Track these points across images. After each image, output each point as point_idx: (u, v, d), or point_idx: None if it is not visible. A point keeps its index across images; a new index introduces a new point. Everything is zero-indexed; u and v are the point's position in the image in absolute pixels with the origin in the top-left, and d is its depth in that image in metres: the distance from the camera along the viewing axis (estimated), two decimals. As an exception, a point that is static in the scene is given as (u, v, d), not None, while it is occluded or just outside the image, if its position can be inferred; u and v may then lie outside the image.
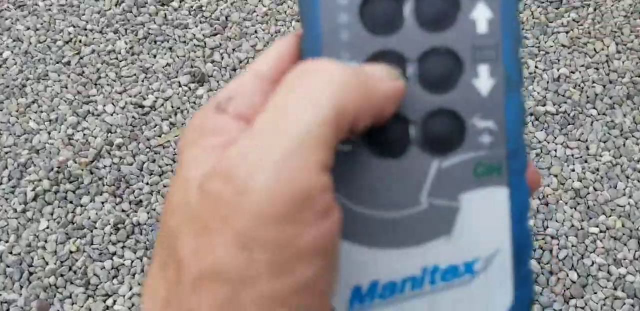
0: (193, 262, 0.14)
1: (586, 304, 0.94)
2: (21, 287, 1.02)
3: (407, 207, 0.18)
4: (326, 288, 0.15)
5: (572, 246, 1.00)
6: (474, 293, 0.18)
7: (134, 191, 1.11)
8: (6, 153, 1.17)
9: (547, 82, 1.20)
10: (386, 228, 0.18)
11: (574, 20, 1.29)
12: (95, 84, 1.27)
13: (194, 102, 1.23)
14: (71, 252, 1.05)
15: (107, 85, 1.27)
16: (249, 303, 0.14)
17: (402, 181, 0.18)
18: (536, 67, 1.22)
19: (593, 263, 0.98)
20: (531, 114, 1.16)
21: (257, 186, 0.14)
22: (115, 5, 1.41)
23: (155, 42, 1.33)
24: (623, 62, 1.21)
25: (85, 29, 1.37)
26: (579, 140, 1.12)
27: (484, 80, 0.18)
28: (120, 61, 1.30)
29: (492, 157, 0.18)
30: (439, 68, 0.18)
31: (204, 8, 1.37)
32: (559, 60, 1.23)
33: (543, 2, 1.33)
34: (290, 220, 0.14)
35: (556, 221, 1.02)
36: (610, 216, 1.02)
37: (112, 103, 1.24)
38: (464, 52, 0.18)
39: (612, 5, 1.31)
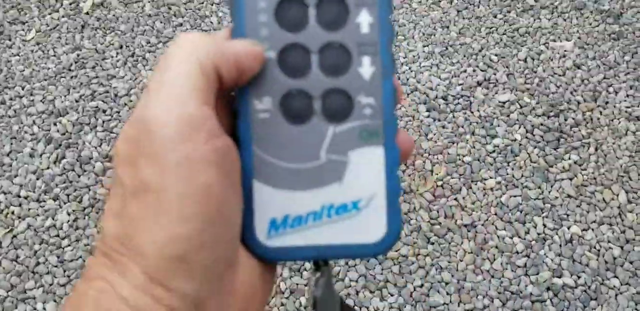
0: (129, 182, 0.21)
1: None
2: None
3: (310, 160, 0.25)
4: (223, 194, 0.21)
5: None
6: (359, 223, 0.25)
7: None
8: None
9: (560, 246, 1.06)
10: (295, 176, 0.24)
11: (575, 163, 1.17)
12: (33, 273, 1.06)
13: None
14: None
15: (47, 273, 1.06)
16: (167, 204, 0.20)
17: (307, 141, 0.25)
18: (544, 226, 1.09)
19: None
20: (548, 289, 1.01)
21: (158, 120, 0.20)
22: (54, 162, 1.21)
23: (102, 210, 1.13)
24: (637, 215, 1.09)
25: (19, 196, 1.16)
26: (605, 320, 0.98)
27: (366, 68, 0.25)
28: (62, 239, 1.10)
29: (372, 125, 0.25)
30: (334, 58, 0.25)
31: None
32: (567, 216, 1.10)
33: (539, 142, 1.21)
34: (187, 139, 0.20)
35: None
36: None
37: (55, 301, 1.03)
38: (352, 47, 0.25)
39: (613, 144, 1.20)
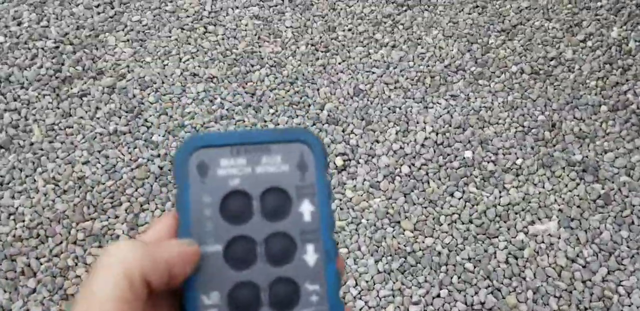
0: None
1: None
2: None
3: None
4: None
5: None
6: None
7: None
8: None
9: None
10: None
11: None
12: None
13: None
14: None
15: None
16: None
17: None
18: None
19: None
20: None
21: None
22: None
23: None
24: None
25: None
26: None
27: (310, 255, 0.25)
28: None
29: None
30: (279, 247, 0.25)
31: None
32: None
33: None
34: None
35: None
36: None
37: None
38: (296, 235, 0.25)
39: None
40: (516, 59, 1.38)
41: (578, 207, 1.15)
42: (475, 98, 1.31)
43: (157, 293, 0.23)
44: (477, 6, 1.49)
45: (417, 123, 1.26)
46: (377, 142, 1.24)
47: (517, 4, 1.49)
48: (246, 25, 1.46)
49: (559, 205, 1.15)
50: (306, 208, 0.26)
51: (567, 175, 1.19)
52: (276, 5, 1.51)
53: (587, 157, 1.22)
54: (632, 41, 1.41)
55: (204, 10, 1.50)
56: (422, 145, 1.22)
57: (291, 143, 0.26)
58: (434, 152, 1.21)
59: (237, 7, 1.50)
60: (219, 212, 0.25)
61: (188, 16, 1.48)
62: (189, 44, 1.42)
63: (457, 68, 1.36)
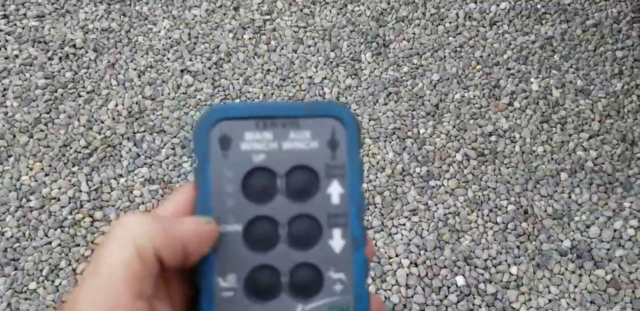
0: None
1: None
2: None
3: None
4: None
5: None
6: None
7: None
8: None
9: None
10: None
11: None
12: None
13: None
14: None
15: None
16: None
17: None
18: None
19: None
20: None
21: None
22: None
23: None
24: None
25: None
26: None
27: (337, 241, 0.23)
28: None
29: (342, 302, 0.23)
30: (303, 230, 0.23)
31: None
32: None
33: None
34: None
35: None
36: None
37: None
38: (322, 219, 0.23)
39: None
40: (455, 144, 1.27)
41: (592, 303, 1.05)
42: (436, 205, 1.18)
43: (170, 270, 0.22)
44: (390, 93, 1.37)
45: (390, 258, 1.11)
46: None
47: (427, 79, 1.38)
48: None
49: (573, 309, 1.05)
50: (335, 190, 0.24)
51: (567, 269, 1.09)
52: None
53: (574, 239, 1.13)
54: (555, 89, 1.35)
55: None
56: (407, 286, 1.08)
57: (323, 118, 0.24)
58: (423, 290, 1.07)
59: None
60: (241, 189, 0.24)
61: None
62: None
63: (402, 174, 1.23)
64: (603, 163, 1.23)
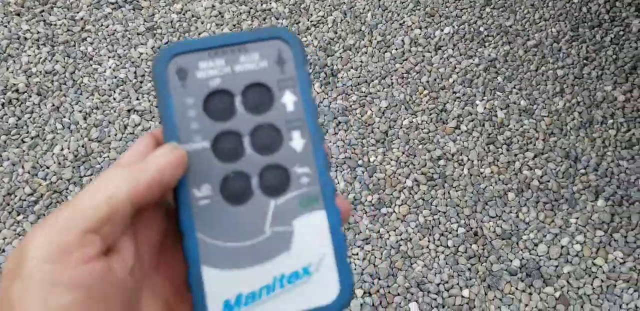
0: (2, 295, 0.21)
1: None
2: None
3: (256, 236, 0.25)
4: None
5: None
6: (312, 287, 0.25)
7: None
8: None
9: None
10: (244, 254, 0.25)
11: None
12: None
13: None
14: None
15: None
16: None
17: (251, 218, 0.25)
18: None
19: None
20: None
21: (34, 243, 0.21)
22: None
23: None
24: None
25: None
26: None
27: (297, 141, 0.26)
28: None
29: (310, 192, 0.26)
30: (265, 137, 0.26)
31: None
32: None
33: None
34: (55, 261, 0.21)
35: None
36: None
37: None
38: (281, 125, 0.26)
39: None
40: (405, 170, 1.29)
41: (544, 322, 1.07)
42: (387, 232, 1.19)
43: (152, 205, 0.25)
44: (340, 122, 1.38)
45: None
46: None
47: (376, 106, 1.41)
48: None
49: (526, 329, 1.06)
50: (289, 99, 0.26)
51: (517, 289, 1.11)
52: None
53: (523, 258, 1.15)
54: (499, 110, 1.39)
55: None
56: (363, 316, 1.08)
57: (268, 41, 0.27)
58: (380, 319, 1.07)
59: None
60: (203, 111, 0.26)
61: None
62: None
63: (354, 203, 1.24)
64: (548, 181, 1.26)
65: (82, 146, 1.26)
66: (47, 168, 1.22)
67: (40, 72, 1.37)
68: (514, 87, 1.42)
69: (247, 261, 0.25)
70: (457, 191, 1.25)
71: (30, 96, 1.32)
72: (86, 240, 0.22)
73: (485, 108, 1.39)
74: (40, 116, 1.29)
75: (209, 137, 0.26)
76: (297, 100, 0.26)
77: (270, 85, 0.26)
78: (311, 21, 1.51)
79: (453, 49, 1.49)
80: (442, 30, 1.52)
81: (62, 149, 1.25)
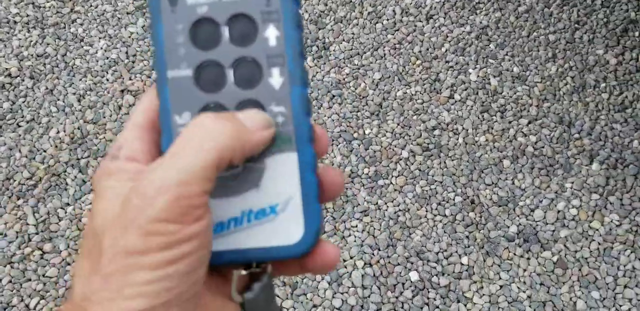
0: (110, 249, 0.22)
1: None
2: None
3: (229, 169, 0.25)
4: (199, 259, 0.23)
5: None
6: (278, 226, 0.25)
7: None
8: None
9: None
10: (215, 185, 0.24)
11: None
12: None
13: None
14: None
15: None
16: (145, 266, 0.21)
17: None
18: None
19: None
20: None
21: (158, 202, 0.22)
22: None
23: None
24: None
25: None
26: None
27: (276, 79, 0.26)
28: None
29: (284, 132, 0.26)
30: (246, 71, 0.26)
31: None
32: None
33: None
34: (174, 221, 0.22)
35: None
36: None
37: None
38: (262, 60, 0.26)
39: None
40: (400, 142, 1.29)
41: (542, 284, 1.09)
42: (385, 203, 1.21)
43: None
44: (334, 96, 1.39)
45: (345, 261, 1.14)
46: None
47: (369, 78, 1.41)
48: None
49: (524, 292, 1.09)
50: (272, 33, 0.26)
51: (515, 254, 1.13)
52: None
53: (520, 224, 1.17)
54: (492, 78, 1.39)
55: None
56: (363, 287, 1.10)
57: None
58: (379, 289, 1.10)
59: None
60: (189, 38, 0.26)
61: None
62: None
63: (351, 176, 1.25)
64: (543, 147, 1.27)
65: (78, 128, 1.26)
66: (44, 151, 1.23)
67: (32, 55, 1.36)
68: (507, 54, 1.42)
69: (218, 192, 0.25)
70: (452, 160, 1.26)
71: (24, 80, 1.32)
72: (202, 201, 0.23)
73: (478, 76, 1.39)
74: (34, 100, 1.29)
75: (192, 65, 0.26)
76: (280, 35, 0.26)
77: (254, 16, 0.26)
78: (300, -6, 1.50)
79: (444, 18, 1.48)
80: (432, -1, 1.51)
81: (58, 132, 1.25)
